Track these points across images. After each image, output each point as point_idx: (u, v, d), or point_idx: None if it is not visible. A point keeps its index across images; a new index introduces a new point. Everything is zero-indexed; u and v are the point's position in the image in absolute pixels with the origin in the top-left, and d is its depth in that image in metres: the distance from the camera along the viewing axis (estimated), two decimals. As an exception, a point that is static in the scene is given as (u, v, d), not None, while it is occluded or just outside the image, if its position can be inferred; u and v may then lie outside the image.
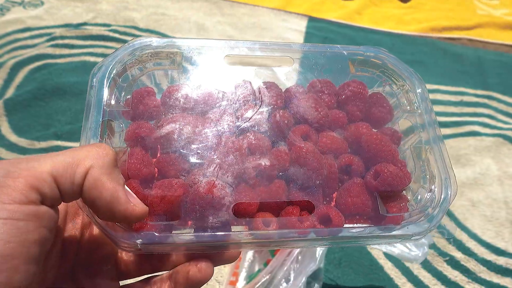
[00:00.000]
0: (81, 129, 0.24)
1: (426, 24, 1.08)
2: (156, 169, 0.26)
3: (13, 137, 0.70)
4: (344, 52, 0.32)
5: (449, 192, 0.27)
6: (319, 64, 0.32)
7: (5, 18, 0.95)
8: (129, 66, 0.28)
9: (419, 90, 0.31)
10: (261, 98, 0.30)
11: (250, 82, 0.30)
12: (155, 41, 0.29)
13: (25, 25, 0.93)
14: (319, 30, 1.02)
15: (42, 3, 1.02)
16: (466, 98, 0.88)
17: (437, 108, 0.84)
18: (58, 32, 0.91)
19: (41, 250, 0.18)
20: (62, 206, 0.22)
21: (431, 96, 0.86)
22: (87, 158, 0.19)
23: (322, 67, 0.32)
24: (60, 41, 0.89)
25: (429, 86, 0.88)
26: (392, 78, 0.33)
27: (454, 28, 1.07)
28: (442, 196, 0.27)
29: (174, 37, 0.30)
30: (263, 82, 0.31)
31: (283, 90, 0.31)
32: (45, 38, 0.90)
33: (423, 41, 1.04)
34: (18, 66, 0.82)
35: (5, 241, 0.16)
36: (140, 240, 0.23)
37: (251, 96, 0.30)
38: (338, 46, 0.32)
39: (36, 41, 0.89)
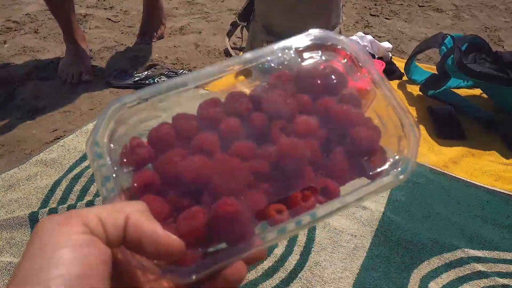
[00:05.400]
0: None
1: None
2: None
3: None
4: (293, 46, 0.34)
5: (416, 133, 0.30)
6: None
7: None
8: (114, 127, 0.30)
9: (361, 56, 0.33)
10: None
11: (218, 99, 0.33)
12: (131, 96, 0.30)
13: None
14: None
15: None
16: None
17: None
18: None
19: (106, 271, 0.21)
20: None
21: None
22: (126, 207, 0.23)
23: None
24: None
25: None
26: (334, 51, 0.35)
27: None
28: (412, 137, 0.30)
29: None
30: (229, 93, 0.33)
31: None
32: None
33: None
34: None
35: (78, 264, 0.19)
36: (194, 274, 0.25)
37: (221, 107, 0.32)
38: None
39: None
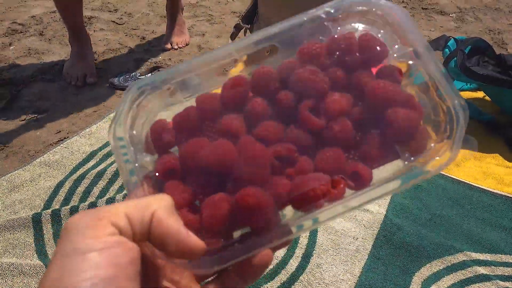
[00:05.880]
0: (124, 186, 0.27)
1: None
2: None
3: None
4: (323, 15, 0.30)
5: (465, 113, 0.26)
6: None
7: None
8: (137, 111, 0.29)
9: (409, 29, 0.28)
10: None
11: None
12: (149, 79, 0.29)
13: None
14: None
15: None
16: None
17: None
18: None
19: (135, 270, 0.22)
20: None
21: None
22: (153, 203, 0.24)
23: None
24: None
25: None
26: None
27: None
28: (460, 118, 0.26)
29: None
30: (253, 71, 0.30)
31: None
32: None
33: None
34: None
35: (106, 266, 0.20)
36: (216, 266, 0.25)
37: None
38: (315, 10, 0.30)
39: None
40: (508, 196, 0.98)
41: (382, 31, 0.30)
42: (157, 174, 0.27)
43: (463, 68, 1.12)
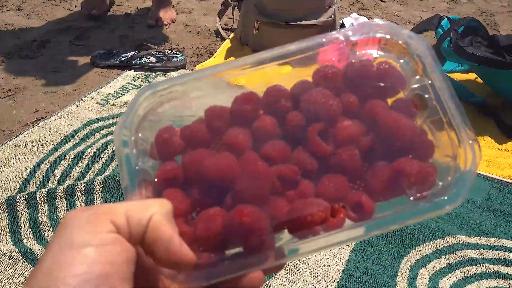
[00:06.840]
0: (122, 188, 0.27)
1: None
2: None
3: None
4: (342, 38, 0.30)
5: (476, 155, 0.25)
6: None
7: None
8: (146, 115, 0.29)
9: (427, 57, 0.28)
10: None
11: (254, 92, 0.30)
12: (161, 84, 0.29)
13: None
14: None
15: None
16: None
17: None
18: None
19: (129, 270, 0.21)
20: None
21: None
22: (152, 206, 0.23)
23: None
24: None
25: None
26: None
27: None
28: (470, 160, 0.26)
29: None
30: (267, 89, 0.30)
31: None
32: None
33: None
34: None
35: (101, 263, 0.20)
36: (204, 281, 0.24)
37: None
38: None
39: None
40: (498, 179, 0.97)
41: (401, 61, 0.30)
42: (156, 180, 0.27)
43: (456, 47, 1.09)
